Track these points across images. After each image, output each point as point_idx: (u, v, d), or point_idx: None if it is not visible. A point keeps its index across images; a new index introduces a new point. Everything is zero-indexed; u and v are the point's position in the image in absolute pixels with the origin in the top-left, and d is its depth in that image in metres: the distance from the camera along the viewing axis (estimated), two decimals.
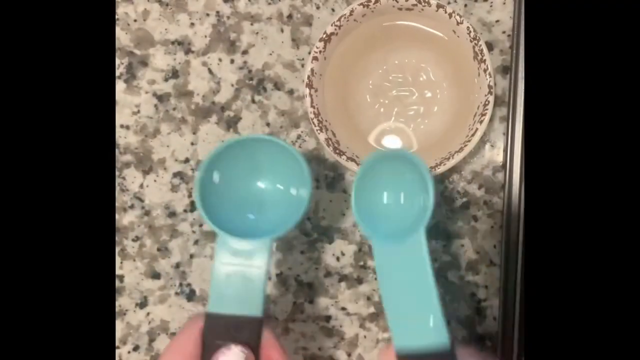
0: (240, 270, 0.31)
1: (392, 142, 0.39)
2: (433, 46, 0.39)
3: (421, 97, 0.39)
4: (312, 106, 0.38)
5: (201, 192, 0.32)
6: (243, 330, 0.31)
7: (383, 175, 0.33)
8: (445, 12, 0.36)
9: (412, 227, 0.31)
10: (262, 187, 0.35)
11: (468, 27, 0.36)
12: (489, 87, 0.36)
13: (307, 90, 0.38)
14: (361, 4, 0.37)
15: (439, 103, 0.39)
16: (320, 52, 0.37)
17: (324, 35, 0.37)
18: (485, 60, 0.36)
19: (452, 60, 0.39)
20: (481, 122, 0.36)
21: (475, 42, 0.36)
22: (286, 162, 0.33)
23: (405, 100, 0.39)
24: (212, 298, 0.31)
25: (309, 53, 0.40)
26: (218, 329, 0.31)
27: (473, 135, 0.37)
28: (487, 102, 0.36)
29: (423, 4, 0.36)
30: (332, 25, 0.37)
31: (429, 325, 0.29)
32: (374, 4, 0.37)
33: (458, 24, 0.36)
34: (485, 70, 0.36)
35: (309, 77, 0.38)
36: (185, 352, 0.31)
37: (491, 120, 0.40)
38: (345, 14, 0.37)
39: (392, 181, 0.33)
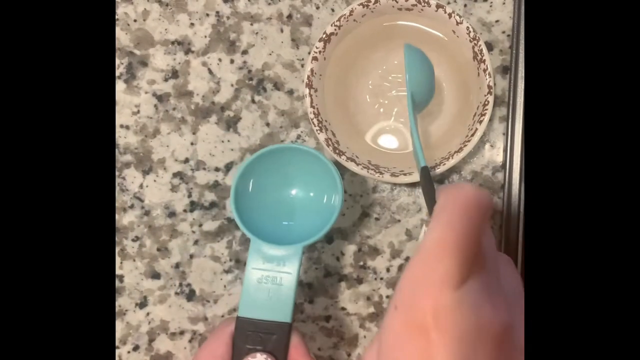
0: (271, 276, 0.33)
1: (391, 142, 0.39)
2: (433, 46, 0.39)
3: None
4: (311, 106, 0.38)
5: (236, 199, 0.33)
6: (272, 336, 0.32)
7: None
8: (445, 12, 0.36)
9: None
10: (294, 195, 0.36)
11: (468, 27, 0.36)
12: (489, 87, 0.36)
13: (306, 91, 0.38)
14: (361, 4, 0.37)
15: (438, 103, 0.39)
16: (320, 52, 0.37)
17: (324, 36, 0.37)
18: (484, 60, 0.36)
19: (451, 61, 0.39)
20: (481, 122, 0.36)
21: (475, 42, 0.36)
22: (317, 169, 0.34)
23: (405, 101, 0.39)
24: (242, 303, 0.32)
25: (309, 53, 0.40)
26: (247, 334, 0.32)
27: (472, 135, 0.37)
28: (486, 102, 0.36)
29: (423, 4, 0.36)
30: (331, 25, 0.37)
31: None
32: (373, 4, 0.37)
33: (458, 24, 0.36)
34: (484, 71, 0.36)
35: (308, 77, 0.38)
36: (217, 355, 0.32)
37: (491, 120, 0.40)
38: (345, 14, 0.37)
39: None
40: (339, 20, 0.37)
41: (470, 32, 0.36)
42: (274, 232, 0.34)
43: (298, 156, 0.34)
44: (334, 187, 0.34)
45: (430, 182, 0.31)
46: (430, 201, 0.30)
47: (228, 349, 0.32)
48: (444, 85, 0.39)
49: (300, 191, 0.36)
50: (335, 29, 0.37)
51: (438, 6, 0.36)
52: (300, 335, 0.33)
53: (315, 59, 0.37)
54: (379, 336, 0.25)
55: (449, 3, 0.40)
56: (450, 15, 0.36)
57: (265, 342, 0.32)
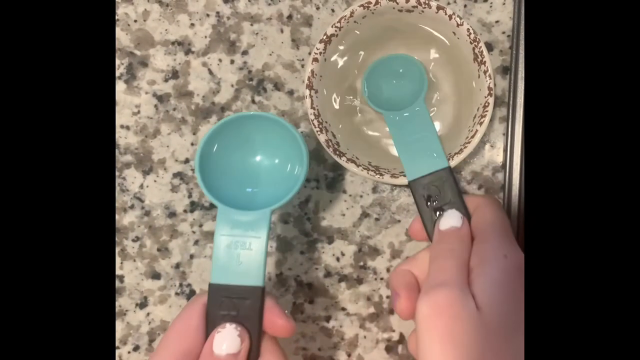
0: (240, 242, 0.32)
1: (392, 143, 0.39)
2: (433, 48, 0.39)
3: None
4: (312, 107, 0.38)
5: (201, 166, 0.33)
6: (245, 300, 0.32)
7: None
8: (446, 14, 0.36)
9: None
10: (260, 163, 0.36)
11: (468, 28, 0.36)
12: (489, 88, 0.36)
13: (307, 92, 0.38)
14: (361, 5, 0.37)
15: (438, 105, 0.39)
16: (320, 53, 0.37)
17: (324, 37, 0.37)
18: (485, 62, 0.36)
19: (452, 62, 0.39)
20: (481, 123, 0.36)
21: (475, 43, 0.36)
22: (284, 138, 0.34)
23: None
24: (214, 269, 0.32)
25: (309, 54, 0.40)
26: (221, 300, 0.32)
27: (473, 137, 0.37)
28: (487, 104, 0.36)
29: (423, 5, 0.36)
30: (332, 26, 0.37)
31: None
32: (374, 5, 0.37)
33: (458, 25, 0.36)
34: (485, 72, 0.36)
35: (309, 78, 0.38)
36: (190, 325, 0.32)
37: (491, 120, 0.40)
38: (345, 16, 0.37)
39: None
40: (339, 21, 0.37)
41: (470, 33, 0.36)
42: (240, 199, 0.34)
43: (264, 125, 0.34)
44: (300, 157, 0.34)
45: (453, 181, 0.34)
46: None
47: (201, 319, 0.32)
48: (444, 87, 0.39)
49: (266, 159, 0.36)
50: (335, 30, 0.37)
51: (439, 8, 0.36)
52: (274, 299, 0.33)
53: (315, 60, 0.37)
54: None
55: (448, 4, 0.40)
56: (450, 16, 0.36)
57: (238, 307, 0.32)
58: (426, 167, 0.35)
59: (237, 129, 0.35)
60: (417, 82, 0.38)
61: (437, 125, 0.39)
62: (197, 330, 0.32)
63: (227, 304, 0.32)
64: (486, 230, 0.32)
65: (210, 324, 0.32)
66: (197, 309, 0.32)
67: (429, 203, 0.35)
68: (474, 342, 0.27)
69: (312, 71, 0.37)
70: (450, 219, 0.33)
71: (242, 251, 0.32)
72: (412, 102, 0.37)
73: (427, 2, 0.36)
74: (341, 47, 0.38)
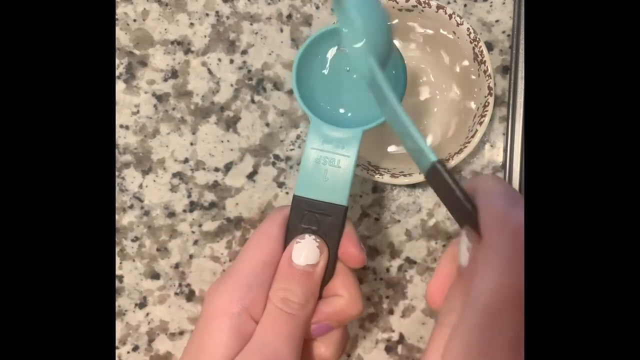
0: (330, 157, 0.32)
1: (391, 142, 0.39)
2: (433, 47, 0.39)
3: (420, 98, 0.39)
4: None
5: (298, 78, 0.33)
6: (327, 217, 0.32)
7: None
8: (446, 13, 0.36)
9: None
10: (356, 81, 0.34)
11: (468, 28, 0.36)
12: (489, 88, 0.36)
13: None
14: None
15: (438, 104, 0.39)
16: None
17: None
18: (485, 61, 0.36)
19: (451, 62, 0.39)
20: (481, 123, 0.36)
21: (475, 43, 0.36)
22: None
23: (404, 101, 0.39)
24: (299, 181, 0.32)
25: None
26: (304, 213, 0.32)
27: (473, 136, 0.37)
28: (486, 104, 0.36)
29: (423, 5, 0.36)
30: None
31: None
32: None
33: (458, 25, 0.36)
34: (485, 72, 0.36)
35: None
36: (270, 234, 0.32)
37: (491, 120, 0.40)
38: None
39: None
40: None
41: (470, 33, 0.36)
42: (333, 116, 0.34)
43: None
44: (396, 78, 0.33)
45: (451, 179, 0.26)
46: (455, 204, 0.26)
47: (282, 230, 0.32)
48: (443, 86, 0.39)
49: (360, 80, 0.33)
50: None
51: (438, 7, 0.36)
52: (353, 226, 0.33)
53: None
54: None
55: (448, 3, 0.40)
56: (450, 16, 0.36)
57: (319, 223, 0.32)
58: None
59: (333, 44, 0.34)
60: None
61: (437, 127, 0.39)
62: (277, 240, 0.32)
63: (309, 217, 0.32)
64: (485, 195, 0.26)
65: (290, 235, 0.32)
66: (278, 219, 0.32)
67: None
68: None
69: None
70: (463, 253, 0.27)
71: (330, 167, 0.32)
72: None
73: (427, 1, 0.36)
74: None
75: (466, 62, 0.38)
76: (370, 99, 0.32)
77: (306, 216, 0.32)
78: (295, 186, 0.32)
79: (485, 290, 0.23)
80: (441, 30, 0.38)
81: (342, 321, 0.32)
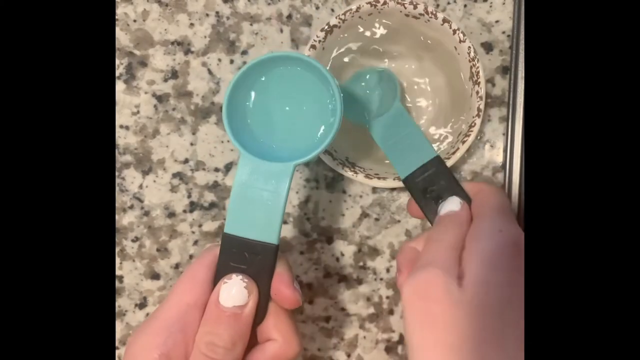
0: (259, 195, 0.31)
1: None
2: (433, 58, 0.38)
3: (412, 105, 0.39)
4: None
5: (228, 110, 0.32)
6: (257, 256, 0.31)
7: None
8: (450, 28, 0.36)
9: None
10: (288, 114, 0.34)
11: (469, 47, 0.36)
12: (478, 109, 0.36)
13: None
14: (369, 2, 0.36)
15: (428, 114, 0.39)
16: (319, 41, 0.37)
17: (326, 27, 0.37)
18: (479, 82, 0.36)
19: (448, 76, 0.38)
20: (464, 142, 0.36)
21: (473, 63, 0.36)
22: (314, 86, 0.32)
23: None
24: (228, 219, 0.31)
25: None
26: (233, 251, 0.31)
27: (454, 153, 0.37)
28: (473, 124, 0.36)
29: (430, 15, 0.36)
30: (336, 17, 0.37)
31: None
32: (381, 5, 0.36)
33: (460, 41, 0.36)
34: (477, 93, 0.36)
35: None
36: (197, 276, 0.31)
37: (491, 120, 0.40)
38: (351, 9, 0.36)
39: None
40: (344, 14, 0.36)
41: (470, 52, 0.36)
42: (264, 150, 0.32)
43: (295, 71, 0.32)
44: (329, 112, 0.32)
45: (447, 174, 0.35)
46: (453, 191, 0.34)
47: (209, 272, 0.31)
48: (436, 98, 0.39)
49: (295, 110, 0.33)
50: (339, 22, 0.37)
51: (444, 20, 0.36)
52: (287, 264, 0.32)
53: (313, 47, 0.37)
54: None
55: (449, 3, 0.40)
56: (455, 31, 0.36)
57: (249, 262, 0.30)
58: (416, 161, 0.35)
59: (266, 72, 0.33)
60: (389, 88, 0.38)
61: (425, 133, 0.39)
62: (204, 282, 0.30)
63: (238, 256, 0.31)
64: (483, 210, 0.32)
65: (219, 275, 0.31)
66: (207, 261, 0.31)
67: (427, 195, 0.34)
68: (453, 322, 0.26)
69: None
70: (450, 204, 0.33)
71: (260, 204, 0.31)
72: (389, 107, 0.37)
73: (434, 12, 0.36)
74: (341, 40, 0.38)
75: (462, 79, 0.38)
76: (303, 132, 0.32)
77: (235, 255, 0.31)
78: (225, 223, 0.31)
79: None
80: (443, 43, 0.37)
81: None
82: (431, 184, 0.35)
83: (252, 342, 0.31)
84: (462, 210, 0.32)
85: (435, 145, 0.38)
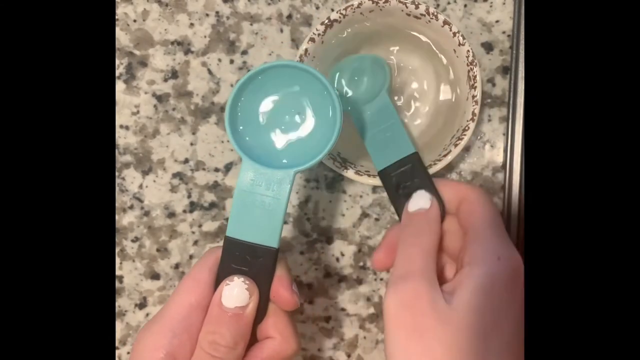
0: (260, 200, 0.32)
1: None
2: (431, 59, 0.38)
3: (407, 105, 0.39)
4: None
5: (231, 117, 0.32)
6: (258, 259, 0.32)
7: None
8: (450, 30, 0.36)
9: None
10: (290, 121, 0.34)
11: (468, 50, 0.36)
12: (473, 114, 0.36)
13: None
14: None
15: (422, 115, 0.39)
16: (319, 35, 0.37)
17: (327, 21, 0.36)
18: (475, 87, 0.36)
19: (446, 78, 0.38)
20: (456, 145, 0.36)
21: (471, 67, 0.36)
22: (316, 96, 0.33)
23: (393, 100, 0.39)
24: (230, 223, 0.32)
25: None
26: (235, 254, 0.32)
27: (445, 156, 0.36)
28: (466, 128, 0.36)
29: (431, 16, 0.36)
30: (337, 12, 0.36)
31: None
32: (383, 3, 0.36)
33: (460, 44, 0.36)
34: (473, 97, 0.36)
35: (300, 56, 0.37)
36: (200, 277, 0.31)
37: (491, 120, 0.40)
38: (353, 5, 0.36)
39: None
40: (345, 9, 0.36)
41: (469, 55, 0.36)
42: (266, 156, 0.33)
43: (298, 79, 0.33)
44: (332, 121, 0.32)
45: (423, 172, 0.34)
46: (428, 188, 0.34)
47: (212, 273, 0.32)
48: (431, 99, 0.39)
49: (297, 118, 0.34)
50: (339, 17, 0.36)
51: (445, 22, 0.36)
52: (287, 268, 0.33)
53: (312, 40, 0.37)
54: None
55: (449, 3, 0.40)
56: (455, 34, 0.36)
57: (251, 264, 0.31)
58: (393, 155, 0.35)
59: (269, 80, 0.33)
60: (379, 77, 0.38)
61: (415, 136, 0.39)
62: (207, 283, 0.31)
63: (239, 258, 0.32)
64: (479, 228, 0.31)
65: (221, 276, 0.32)
66: (209, 262, 0.32)
67: (400, 190, 0.34)
68: (441, 337, 0.27)
69: (306, 50, 0.37)
70: (419, 200, 0.33)
71: (261, 209, 0.32)
72: (375, 96, 0.36)
73: (435, 13, 0.36)
74: (341, 35, 0.38)
75: (459, 82, 0.38)
76: (304, 139, 0.33)
77: (237, 257, 0.32)
78: (227, 227, 0.32)
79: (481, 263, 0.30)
80: (443, 45, 0.37)
81: None
82: (405, 180, 0.34)
83: (252, 340, 0.32)
84: (432, 208, 0.32)
85: (428, 148, 0.38)
